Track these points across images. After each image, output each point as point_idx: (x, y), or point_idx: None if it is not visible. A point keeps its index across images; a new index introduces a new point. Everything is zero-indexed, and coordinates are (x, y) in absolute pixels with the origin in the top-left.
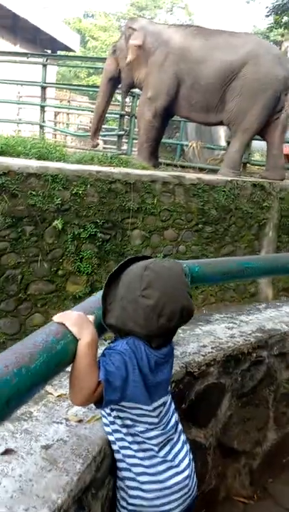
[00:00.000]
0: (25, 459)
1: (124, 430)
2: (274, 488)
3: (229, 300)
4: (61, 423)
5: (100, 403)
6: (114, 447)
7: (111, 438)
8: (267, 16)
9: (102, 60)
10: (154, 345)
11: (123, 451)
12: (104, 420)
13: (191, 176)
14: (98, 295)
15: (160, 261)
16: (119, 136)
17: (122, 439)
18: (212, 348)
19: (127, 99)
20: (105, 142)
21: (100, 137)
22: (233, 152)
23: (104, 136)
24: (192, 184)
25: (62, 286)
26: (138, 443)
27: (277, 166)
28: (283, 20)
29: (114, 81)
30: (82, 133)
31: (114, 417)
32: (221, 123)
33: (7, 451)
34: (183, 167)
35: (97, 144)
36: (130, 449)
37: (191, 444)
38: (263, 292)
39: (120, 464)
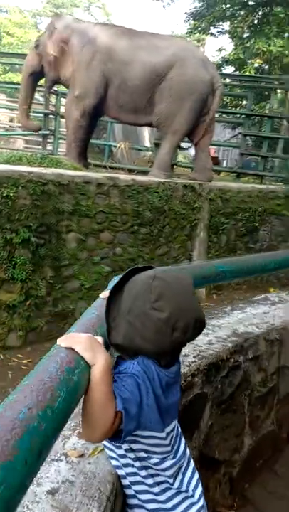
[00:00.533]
0: (32, 510)
1: (138, 464)
2: (252, 493)
3: None
4: (61, 460)
5: (115, 436)
6: (125, 482)
7: (120, 472)
8: (186, 21)
9: (20, 56)
10: (163, 363)
11: (135, 487)
12: (110, 453)
13: (125, 177)
14: (94, 310)
15: (167, 270)
16: (44, 136)
17: (134, 474)
18: (194, 356)
19: (52, 99)
20: (27, 142)
21: (21, 137)
22: (164, 154)
23: (26, 135)
24: (127, 185)
25: None
26: (152, 476)
27: (205, 168)
28: (202, 26)
29: (36, 76)
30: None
31: (126, 450)
32: (150, 124)
33: None
34: (112, 168)
35: (39, 127)
36: (144, 483)
37: None
38: (198, 292)
39: (131, 501)
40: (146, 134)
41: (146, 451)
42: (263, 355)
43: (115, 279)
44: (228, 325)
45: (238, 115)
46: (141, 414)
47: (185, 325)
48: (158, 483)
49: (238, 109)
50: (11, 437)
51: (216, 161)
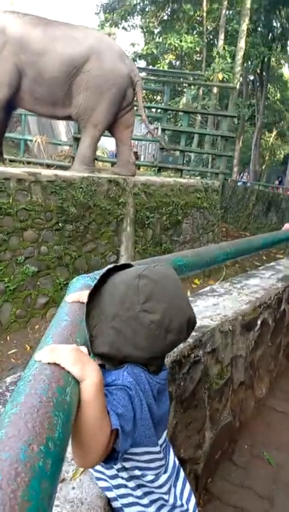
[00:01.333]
0: None
1: (132, 483)
2: (215, 487)
3: None
4: None
5: (108, 457)
6: (116, 505)
7: (110, 495)
8: (97, 13)
9: None
10: (152, 369)
11: (129, 509)
12: (97, 475)
13: (47, 172)
14: (65, 316)
15: (151, 267)
16: None
17: (127, 495)
18: None
19: None
20: None
21: None
22: (85, 148)
23: None
24: (49, 181)
25: None
26: (146, 494)
27: (128, 162)
28: (114, 19)
29: None
30: None
31: (119, 470)
32: (69, 117)
33: None
34: (29, 163)
35: None
36: (138, 504)
37: None
38: None
39: None
40: (62, 129)
41: (140, 469)
42: (219, 348)
43: (76, 281)
44: None
45: (154, 110)
46: (135, 430)
47: (179, 325)
48: (153, 502)
49: (152, 103)
50: (18, 486)
51: (135, 155)
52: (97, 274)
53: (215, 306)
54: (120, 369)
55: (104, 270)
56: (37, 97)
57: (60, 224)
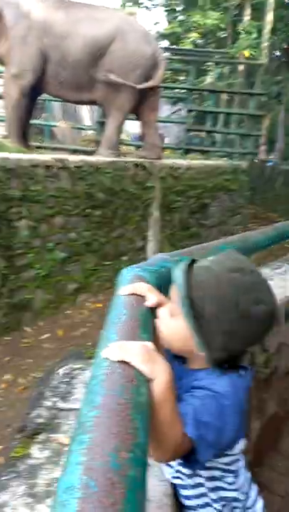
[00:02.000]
0: None
1: (210, 484)
2: (262, 477)
3: None
4: None
5: (187, 461)
6: (189, 503)
7: (185, 493)
8: None
9: None
10: (239, 363)
11: (203, 510)
12: (172, 471)
13: (74, 158)
14: (124, 310)
15: (230, 257)
16: None
17: (203, 495)
18: None
19: None
20: None
21: None
22: (111, 132)
23: None
24: (76, 167)
25: None
26: (222, 499)
27: (154, 145)
28: None
29: None
30: None
31: (205, 477)
32: (94, 102)
33: None
34: (55, 149)
35: None
36: (211, 506)
37: None
38: None
39: None
40: (85, 113)
41: (222, 470)
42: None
43: (126, 273)
44: None
45: (178, 90)
46: (222, 439)
47: (279, 311)
48: (226, 505)
49: (176, 83)
50: (116, 500)
51: (161, 137)
52: (147, 265)
53: None
54: (216, 374)
55: (183, 269)
56: (61, 81)
57: (87, 210)
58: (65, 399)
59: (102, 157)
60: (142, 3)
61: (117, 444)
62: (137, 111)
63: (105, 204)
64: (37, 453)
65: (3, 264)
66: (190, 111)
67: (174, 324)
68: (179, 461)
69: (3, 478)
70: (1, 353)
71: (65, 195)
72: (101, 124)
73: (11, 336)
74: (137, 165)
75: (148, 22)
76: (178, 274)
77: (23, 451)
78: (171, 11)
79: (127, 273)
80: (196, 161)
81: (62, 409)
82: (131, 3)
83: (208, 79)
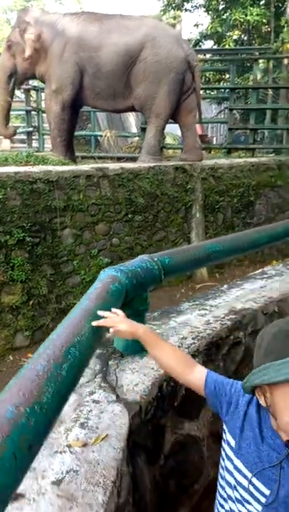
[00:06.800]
0: (38, 501)
1: None
2: None
3: (168, 286)
4: (65, 452)
5: None
6: None
7: None
8: None
9: None
10: None
11: None
12: None
13: (113, 166)
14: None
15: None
16: (29, 133)
17: None
18: (192, 338)
19: (33, 95)
20: (12, 141)
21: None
22: (150, 138)
23: None
24: (116, 174)
25: None
26: None
27: (194, 147)
28: (176, 2)
29: (13, 77)
30: None
31: None
32: (131, 109)
33: (15, 497)
34: (101, 158)
35: (14, 132)
36: None
37: (186, 439)
38: (198, 273)
39: None
40: (132, 120)
41: None
42: (261, 329)
43: (102, 273)
44: (225, 303)
45: (223, 90)
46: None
47: None
48: None
49: (221, 83)
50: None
51: (205, 138)
52: (124, 265)
53: (262, 289)
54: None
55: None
56: (97, 91)
57: (129, 215)
58: None
59: (142, 163)
60: (183, 6)
61: (16, 401)
62: (175, 114)
63: (146, 208)
64: None
65: (50, 271)
66: (231, 110)
67: None
68: None
69: None
70: None
71: (107, 202)
72: (144, 130)
73: None
74: (176, 168)
75: (190, 24)
76: None
77: None
78: (212, 11)
79: (104, 273)
80: (238, 159)
81: None
82: (172, 8)
83: (251, 76)
